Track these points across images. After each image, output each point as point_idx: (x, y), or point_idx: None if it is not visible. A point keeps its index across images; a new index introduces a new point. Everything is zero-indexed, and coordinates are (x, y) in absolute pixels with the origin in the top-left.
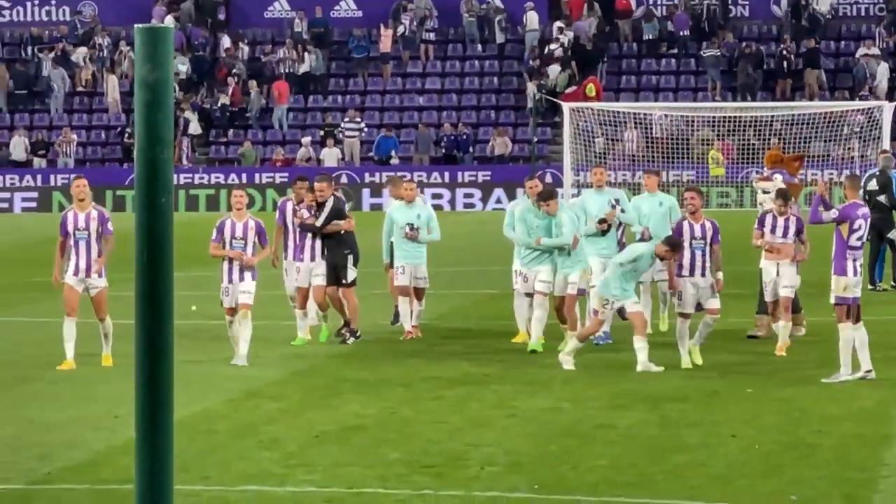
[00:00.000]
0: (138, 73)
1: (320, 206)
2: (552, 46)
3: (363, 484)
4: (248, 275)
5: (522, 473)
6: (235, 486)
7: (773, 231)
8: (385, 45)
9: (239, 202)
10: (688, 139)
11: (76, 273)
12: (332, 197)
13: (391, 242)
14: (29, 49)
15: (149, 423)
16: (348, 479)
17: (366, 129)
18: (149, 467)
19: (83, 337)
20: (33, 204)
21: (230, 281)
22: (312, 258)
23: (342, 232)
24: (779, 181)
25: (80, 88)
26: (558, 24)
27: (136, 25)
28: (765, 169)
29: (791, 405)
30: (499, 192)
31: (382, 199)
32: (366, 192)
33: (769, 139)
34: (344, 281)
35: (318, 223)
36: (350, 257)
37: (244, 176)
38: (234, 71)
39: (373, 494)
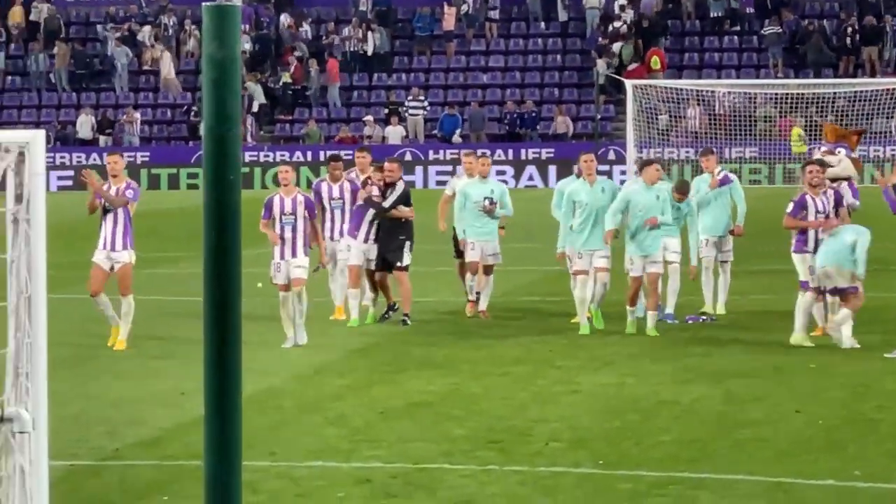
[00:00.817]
0: (206, 51)
1: (388, 186)
2: (616, 24)
3: (428, 459)
4: (300, 250)
5: (586, 449)
6: (302, 461)
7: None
8: (448, 23)
9: (285, 178)
10: (751, 116)
11: (103, 247)
12: (402, 181)
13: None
14: (97, 28)
15: (218, 399)
16: (413, 454)
17: (429, 108)
18: (217, 443)
19: (139, 315)
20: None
21: (282, 257)
22: (366, 239)
23: (402, 218)
24: (842, 155)
25: (145, 67)
26: (620, 1)
27: (203, 3)
28: (820, 145)
29: (854, 380)
30: (561, 168)
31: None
32: (431, 169)
33: (829, 116)
34: (399, 264)
35: (386, 204)
36: (407, 242)
37: (309, 154)
38: (296, 51)
39: (438, 470)
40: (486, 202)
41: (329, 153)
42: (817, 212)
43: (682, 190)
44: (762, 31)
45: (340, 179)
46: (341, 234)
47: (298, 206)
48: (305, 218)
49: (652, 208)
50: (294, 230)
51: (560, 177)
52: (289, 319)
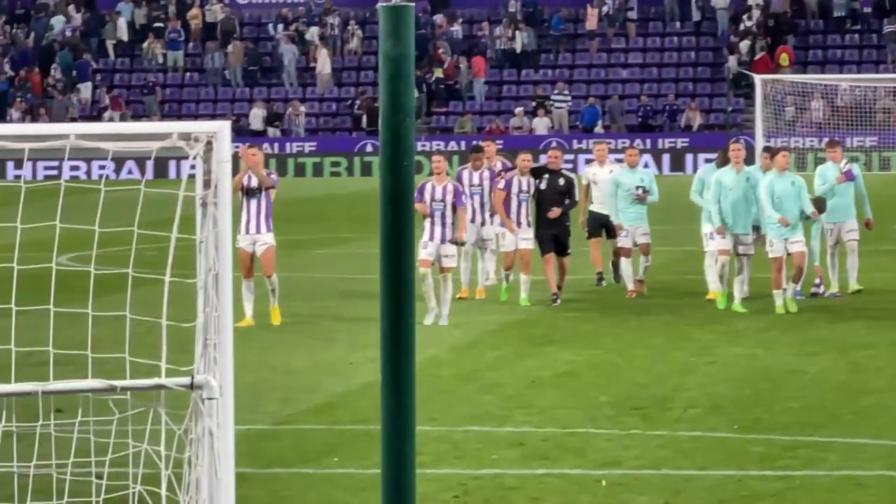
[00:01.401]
0: (382, 48)
1: (554, 174)
2: (747, 23)
3: (576, 424)
4: (448, 238)
5: (722, 415)
6: (460, 426)
7: None
8: (591, 23)
9: (438, 167)
10: (870, 108)
11: (247, 231)
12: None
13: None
14: (270, 27)
15: (394, 368)
16: (562, 420)
17: (572, 101)
18: (394, 410)
19: (312, 292)
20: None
21: (431, 238)
22: (518, 224)
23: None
24: None
25: (311, 65)
26: (750, 1)
27: (379, 4)
28: None
29: None
30: (695, 157)
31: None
32: (581, 157)
33: None
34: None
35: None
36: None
37: (463, 143)
38: (445, 49)
39: (584, 434)
40: (640, 191)
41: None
42: None
43: (819, 208)
44: (882, 30)
45: (481, 168)
46: (483, 220)
47: (448, 194)
48: (454, 206)
49: (788, 196)
50: (443, 216)
51: (694, 165)
52: (431, 294)
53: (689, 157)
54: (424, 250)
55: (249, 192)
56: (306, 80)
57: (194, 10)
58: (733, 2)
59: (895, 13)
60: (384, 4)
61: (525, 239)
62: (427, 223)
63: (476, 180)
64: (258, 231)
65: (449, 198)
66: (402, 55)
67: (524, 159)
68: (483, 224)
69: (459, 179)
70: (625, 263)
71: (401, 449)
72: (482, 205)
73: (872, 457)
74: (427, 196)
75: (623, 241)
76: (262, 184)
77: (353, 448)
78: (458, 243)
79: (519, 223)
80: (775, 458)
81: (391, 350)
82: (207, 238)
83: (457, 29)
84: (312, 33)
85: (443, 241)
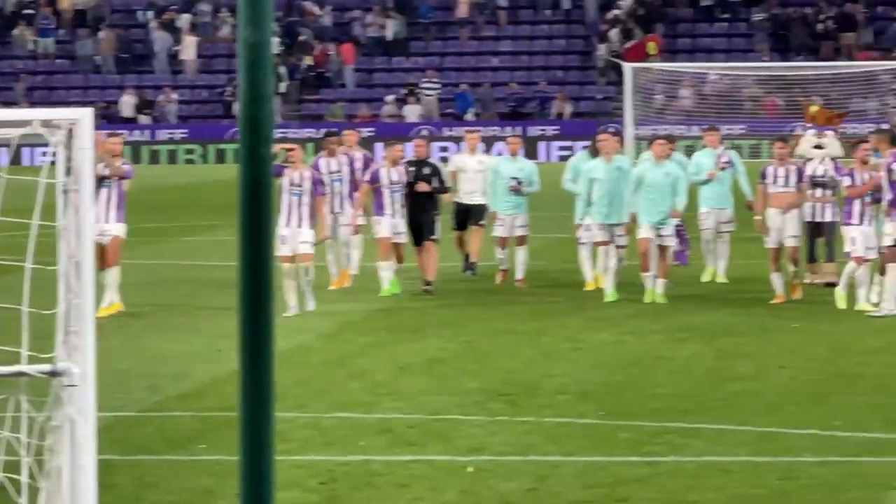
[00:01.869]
0: (241, 35)
1: (420, 163)
2: (616, 12)
3: (444, 411)
4: (305, 223)
5: (590, 401)
6: (328, 412)
7: (774, 181)
8: (461, 10)
9: (294, 155)
10: (739, 96)
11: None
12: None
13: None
14: (139, 14)
15: (252, 355)
16: (430, 406)
17: (441, 88)
18: (251, 395)
19: (183, 277)
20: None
21: (287, 223)
22: (394, 214)
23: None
24: (831, 136)
25: (178, 49)
26: None
27: None
28: (810, 127)
29: (835, 338)
30: (565, 145)
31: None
32: (451, 145)
33: (811, 97)
34: (432, 237)
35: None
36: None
37: (337, 130)
38: (316, 36)
39: (453, 420)
40: (514, 182)
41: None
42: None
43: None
44: (750, 18)
45: (336, 154)
46: (341, 207)
47: (305, 180)
48: (311, 193)
49: (659, 186)
50: (300, 202)
51: (563, 152)
52: (291, 289)
53: (556, 145)
54: (283, 245)
55: (100, 181)
56: (178, 67)
57: None
58: None
59: (764, 1)
60: None
61: (399, 233)
62: (285, 210)
63: (334, 167)
64: (106, 221)
65: (307, 184)
66: (261, 42)
67: (397, 150)
68: (342, 212)
69: (316, 168)
70: (499, 252)
71: (259, 435)
72: (340, 192)
73: (738, 443)
74: (285, 180)
75: (499, 231)
76: (114, 173)
77: (221, 434)
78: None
79: (393, 214)
80: (642, 443)
81: (249, 337)
82: (69, 225)
83: (327, 16)
84: (184, 20)
85: (299, 226)
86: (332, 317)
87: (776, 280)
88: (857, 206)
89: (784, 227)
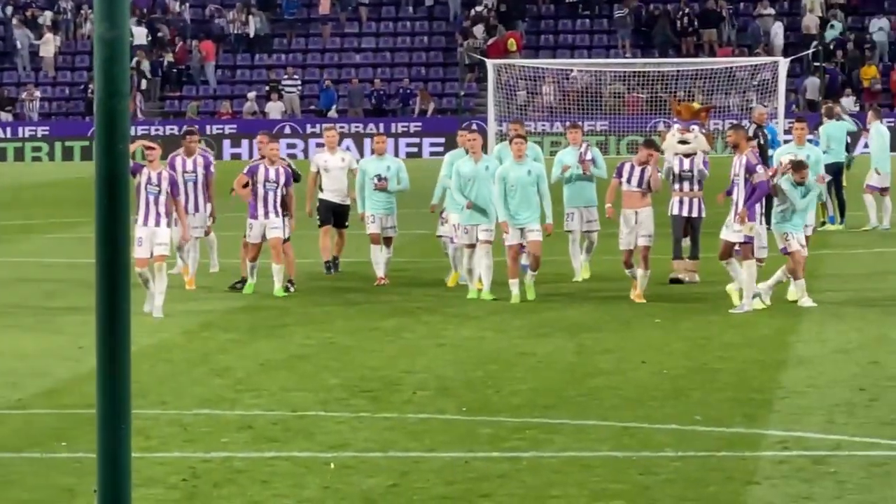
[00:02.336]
0: (97, 32)
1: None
2: (478, 8)
3: (306, 407)
4: (162, 224)
5: (451, 397)
6: (190, 409)
7: (629, 181)
8: (324, 7)
9: (152, 153)
10: (601, 93)
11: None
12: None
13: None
14: (1, 11)
15: (109, 352)
16: (292, 402)
17: (301, 85)
18: (109, 392)
19: (43, 275)
20: None
21: (145, 223)
22: (266, 215)
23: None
24: (697, 131)
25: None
26: None
27: None
28: (675, 121)
29: (696, 334)
30: (429, 141)
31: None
32: (310, 142)
33: (675, 92)
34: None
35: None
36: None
37: (196, 127)
38: (178, 32)
39: (314, 417)
40: (376, 179)
41: (185, 128)
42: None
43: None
44: (613, 15)
45: (194, 154)
46: (196, 208)
47: (163, 180)
48: (168, 193)
49: (522, 184)
50: (157, 201)
51: (431, 148)
52: (147, 290)
53: (426, 141)
54: (140, 247)
55: None
56: (39, 64)
57: None
58: None
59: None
60: None
61: (275, 228)
62: (142, 209)
63: (189, 167)
64: None
65: (164, 184)
66: (117, 38)
67: (272, 149)
68: (197, 211)
69: (172, 167)
70: (374, 250)
71: (116, 432)
72: (196, 192)
73: (599, 438)
74: (143, 178)
75: (371, 228)
76: None
77: (82, 432)
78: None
79: (266, 213)
80: (503, 439)
81: (107, 334)
82: None
83: (188, 12)
84: (46, 18)
85: (157, 224)
86: (194, 314)
87: (630, 273)
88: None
89: (639, 227)
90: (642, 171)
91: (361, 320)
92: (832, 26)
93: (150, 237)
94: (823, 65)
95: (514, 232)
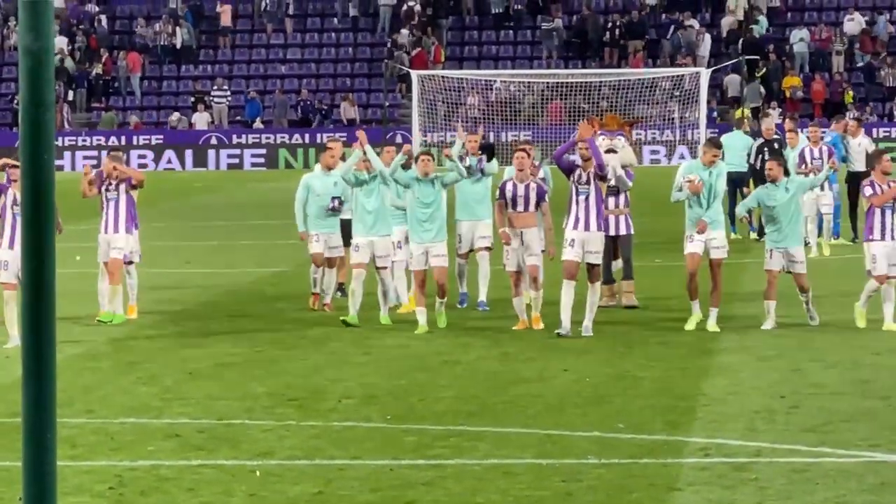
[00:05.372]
0: (22, 42)
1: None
2: (406, 22)
3: (232, 416)
4: (17, 245)
5: (376, 405)
6: (116, 417)
7: (513, 203)
8: (224, 19)
9: (15, 173)
10: (521, 103)
11: None
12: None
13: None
14: None
15: (33, 361)
16: (219, 411)
17: (231, 96)
18: (34, 401)
19: None
20: None
21: (10, 247)
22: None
23: None
24: (623, 142)
25: None
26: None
27: None
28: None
29: (618, 341)
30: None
31: (252, 158)
32: (230, 151)
33: (598, 103)
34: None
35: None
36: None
37: (123, 139)
38: (104, 44)
39: (241, 425)
40: (336, 202)
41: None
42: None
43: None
44: (539, 26)
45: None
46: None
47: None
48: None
49: (429, 201)
50: (14, 222)
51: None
52: (12, 318)
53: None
54: (5, 271)
55: None
56: None
57: None
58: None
59: (547, 11)
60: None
61: (117, 248)
62: (7, 231)
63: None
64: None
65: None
66: (42, 49)
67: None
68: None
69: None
70: (314, 271)
71: (41, 440)
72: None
73: (522, 445)
74: (9, 198)
75: (315, 247)
76: None
77: (8, 440)
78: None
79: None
80: (428, 446)
81: (32, 343)
82: None
83: (115, 24)
84: None
85: (10, 247)
86: (121, 323)
87: (518, 304)
88: (877, 218)
89: (525, 247)
90: (526, 191)
91: (288, 329)
92: (757, 22)
93: (14, 261)
94: (759, 74)
95: (419, 253)
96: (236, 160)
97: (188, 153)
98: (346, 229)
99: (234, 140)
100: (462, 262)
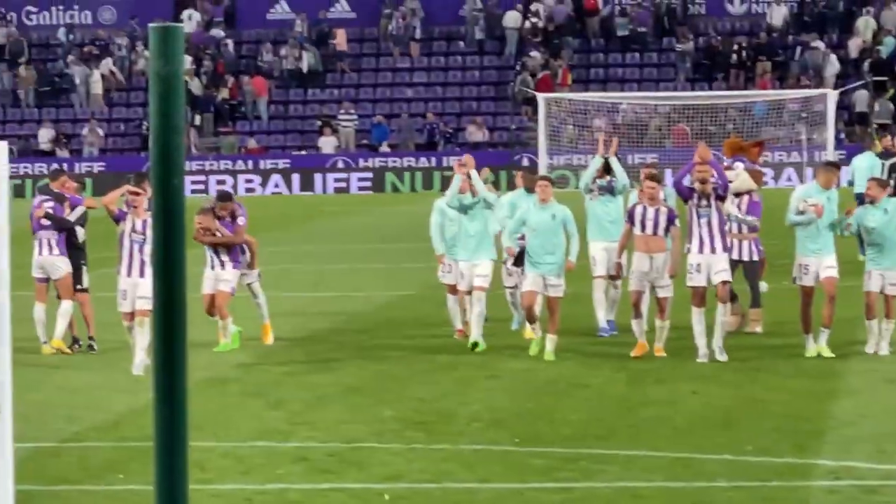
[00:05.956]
0: (153, 68)
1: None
2: (533, 46)
3: (360, 439)
4: (147, 274)
5: (504, 428)
6: (245, 441)
7: (642, 226)
8: (340, 43)
9: (136, 200)
10: (647, 126)
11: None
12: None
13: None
14: (58, 50)
15: (166, 385)
16: (347, 434)
17: (358, 120)
18: (166, 425)
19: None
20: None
21: (129, 273)
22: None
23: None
24: (740, 168)
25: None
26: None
27: (150, 24)
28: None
29: (746, 364)
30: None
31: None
32: (359, 174)
33: (725, 125)
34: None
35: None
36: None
37: (250, 163)
38: (231, 68)
39: (369, 448)
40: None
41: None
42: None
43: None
44: (672, 48)
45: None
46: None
47: (149, 228)
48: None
49: (547, 228)
50: (141, 251)
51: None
52: (137, 344)
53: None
54: (124, 301)
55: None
56: (95, 101)
57: None
58: (518, 22)
59: (674, 33)
60: (154, 25)
61: (224, 281)
62: (125, 259)
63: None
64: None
65: (150, 232)
66: (172, 74)
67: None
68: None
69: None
70: (450, 301)
71: (173, 464)
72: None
73: (650, 468)
74: (127, 226)
75: (448, 279)
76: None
77: (138, 464)
78: None
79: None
80: (556, 470)
81: (163, 366)
82: None
83: (241, 48)
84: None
85: (141, 275)
86: (249, 346)
87: (637, 327)
88: None
89: (655, 273)
90: (656, 215)
91: (415, 353)
92: (882, 43)
93: (132, 290)
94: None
95: (533, 279)
96: (367, 183)
97: (316, 177)
98: None
99: (360, 163)
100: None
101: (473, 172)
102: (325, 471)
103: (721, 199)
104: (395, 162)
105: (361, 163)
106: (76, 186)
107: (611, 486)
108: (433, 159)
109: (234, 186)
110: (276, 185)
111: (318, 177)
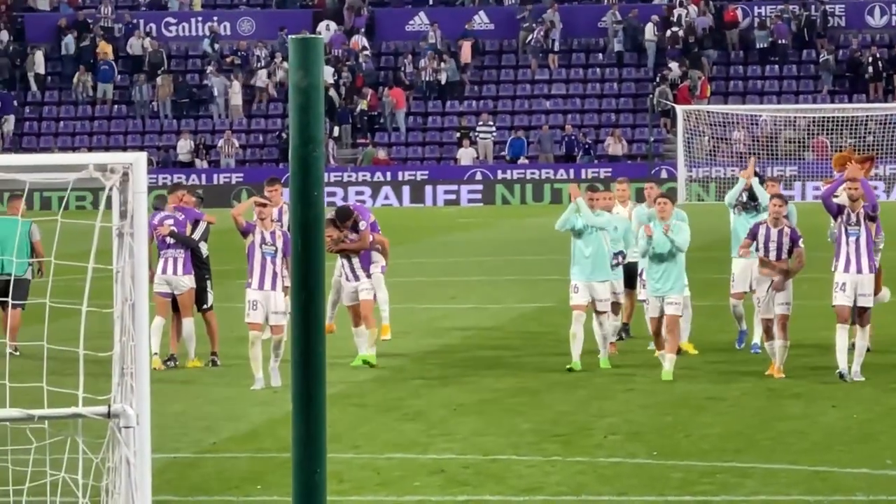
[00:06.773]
0: (292, 80)
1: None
2: (671, 31)
3: (498, 451)
4: (279, 287)
5: (641, 441)
6: (382, 453)
7: (765, 249)
8: (465, 56)
9: (263, 213)
10: (788, 138)
11: (163, 272)
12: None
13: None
14: (198, 61)
15: (304, 397)
16: (484, 446)
17: (496, 132)
18: (304, 437)
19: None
20: None
21: (261, 286)
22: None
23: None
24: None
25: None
26: (678, 11)
27: (290, 36)
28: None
29: (885, 378)
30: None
31: (510, 195)
32: (497, 187)
33: (864, 137)
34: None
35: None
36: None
37: (388, 174)
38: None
39: (506, 461)
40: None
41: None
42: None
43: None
44: (817, 60)
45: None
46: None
47: (278, 239)
48: (283, 252)
49: (664, 248)
50: (274, 262)
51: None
52: (258, 359)
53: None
54: (254, 311)
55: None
56: (235, 112)
57: (104, 43)
58: (658, 33)
59: (814, 45)
60: (294, 37)
61: (365, 290)
62: (256, 271)
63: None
64: (175, 273)
65: (280, 243)
66: (312, 86)
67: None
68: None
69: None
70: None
71: (312, 476)
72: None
73: (790, 482)
74: (257, 238)
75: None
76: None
77: (276, 476)
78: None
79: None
80: (694, 483)
81: (302, 377)
82: (124, 268)
83: (381, 60)
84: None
85: (273, 288)
86: (387, 357)
87: (770, 349)
88: None
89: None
90: (780, 236)
91: (551, 365)
92: None
93: (265, 302)
94: None
95: (654, 302)
96: (509, 194)
97: (457, 188)
98: (629, 272)
99: (499, 175)
100: (736, 301)
101: (580, 200)
102: (462, 483)
103: (872, 219)
104: (533, 174)
105: (500, 174)
106: (195, 201)
107: (749, 499)
108: (571, 171)
109: (373, 196)
110: (412, 198)
111: (462, 189)
